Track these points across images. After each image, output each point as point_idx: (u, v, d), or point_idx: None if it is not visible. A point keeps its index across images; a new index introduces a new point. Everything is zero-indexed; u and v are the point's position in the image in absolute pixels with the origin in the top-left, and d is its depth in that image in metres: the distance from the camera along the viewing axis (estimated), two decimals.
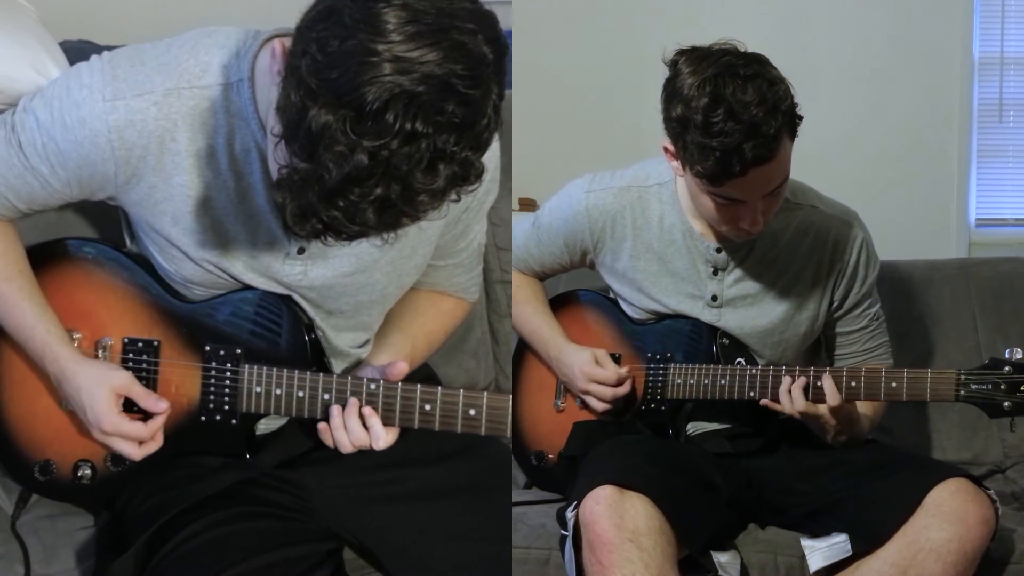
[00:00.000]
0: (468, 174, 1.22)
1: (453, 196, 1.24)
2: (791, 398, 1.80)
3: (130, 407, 1.55)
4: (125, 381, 1.54)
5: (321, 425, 1.52)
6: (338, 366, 1.65)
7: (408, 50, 1.15)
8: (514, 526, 1.87)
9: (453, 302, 1.79)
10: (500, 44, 1.22)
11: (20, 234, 1.60)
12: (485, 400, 1.48)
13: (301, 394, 1.54)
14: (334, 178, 1.16)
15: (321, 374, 1.54)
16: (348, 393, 1.52)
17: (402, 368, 1.51)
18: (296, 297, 1.58)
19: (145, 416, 1.55)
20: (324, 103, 1.15)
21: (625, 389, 1.95)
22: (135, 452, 1.54)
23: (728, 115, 1.61)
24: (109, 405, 1.52)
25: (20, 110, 1.50)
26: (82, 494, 1.64)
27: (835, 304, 1.94)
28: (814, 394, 1.80)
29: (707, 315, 1.93)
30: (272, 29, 1.42)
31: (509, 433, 1.50)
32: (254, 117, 1.43)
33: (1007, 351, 1.72)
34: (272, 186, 1.25)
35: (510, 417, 1.48)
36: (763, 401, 1.83)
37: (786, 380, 1.81)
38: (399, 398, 1.50)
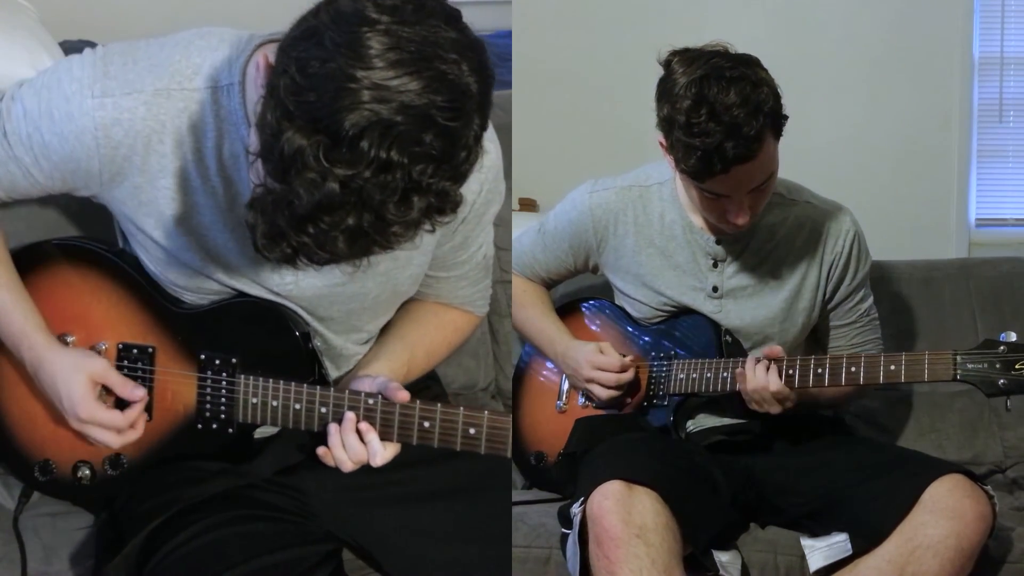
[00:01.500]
0: (444, 206, 1.20)
1: (428, 226, 1.22)
2: (755, 374, 1.82)
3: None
4: (101, 368, 1.53)
5: (321, 450, 1.49)
6: (340, 368, 1.64)
7: (388, 78, 1.13)
8: (514, 526, 1.87)
9: (459, 315, 1.75)
10: (486, 75, 1.20)
11: (1, 224, 1.58)
12: (486, 420, 1.44)
13: (298, 407, 1.51)
14: (304, 204, 1.14)
15: (318, 387, 1.51)
16: (345, 407, 1.48)
17: (404, 396, 1.47)
18: (288, 304, 1.56)
19: (123, 405, 1.54)
20: (299, 126, 1.14)
21: (628, 376, 1.97)
22: (114, 440, 1.53)
23: (710, 116, 1.66)
24: (85, 393, 1.51)
25: (8, 97, 1.48)
26: (82, 494, 1.64)
27: (828, 296, 1.97)
28: (787, 380, 1.82)
29: (709, 306, 1.95)
30: (268, 33, 1.40)
31: (509, 453, 1.46)
32: (244, 123, 1.41)
33: (1001, 335, 1.74)
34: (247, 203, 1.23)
35: (511, 437, 1.45)
36: (738, 371, 1.85)
37: (751, 359, 1.84)
38: (397, 414, 1.47)
